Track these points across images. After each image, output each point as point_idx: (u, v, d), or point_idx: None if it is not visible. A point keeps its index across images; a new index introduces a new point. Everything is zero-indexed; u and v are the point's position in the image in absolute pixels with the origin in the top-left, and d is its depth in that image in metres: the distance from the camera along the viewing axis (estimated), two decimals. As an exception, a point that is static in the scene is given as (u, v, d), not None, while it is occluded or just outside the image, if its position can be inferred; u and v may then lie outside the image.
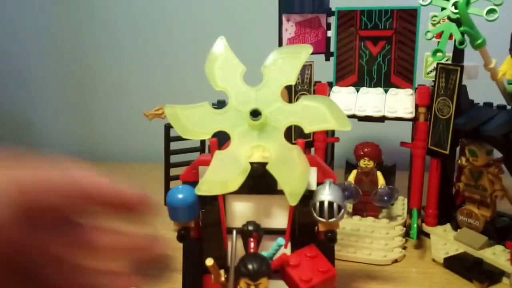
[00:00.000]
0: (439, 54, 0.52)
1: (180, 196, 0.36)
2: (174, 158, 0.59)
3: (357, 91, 0.58)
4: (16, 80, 1.03)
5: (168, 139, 0.57)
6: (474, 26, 0.50)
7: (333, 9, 0.59)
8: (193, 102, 0.37)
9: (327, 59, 0.61)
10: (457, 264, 0.52)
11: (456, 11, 0.50)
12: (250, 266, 0.33)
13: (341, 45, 0.59)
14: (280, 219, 0.38)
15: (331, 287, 0.37)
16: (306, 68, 0.59)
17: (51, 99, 1.04)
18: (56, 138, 1.05)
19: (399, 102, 0.56)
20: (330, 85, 0.60)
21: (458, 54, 0.55)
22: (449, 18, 0.52)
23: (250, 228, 0.37)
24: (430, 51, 0.54)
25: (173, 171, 0.59)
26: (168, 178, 0.58)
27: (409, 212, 0.59)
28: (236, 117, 0.36)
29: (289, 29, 0.59)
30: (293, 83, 0.37)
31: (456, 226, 0.57)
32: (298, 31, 0.59)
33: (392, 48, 0.57)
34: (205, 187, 0.35)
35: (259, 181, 0.36)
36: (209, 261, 0.34)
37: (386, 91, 0.58)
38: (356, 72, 0.59)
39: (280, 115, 0.37)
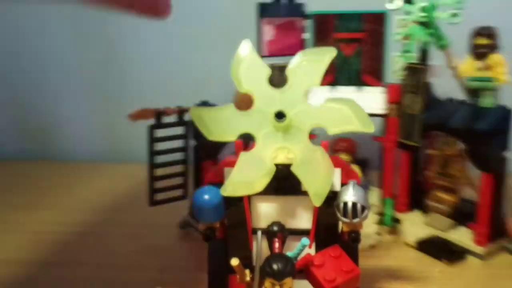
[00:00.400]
0: (408, 54, 0.58)
1: (206, 196, 0.36)
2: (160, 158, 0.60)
3: (334, 90, 0.62)
4: (42, 80, 1.06)
5: (152, 140, 0.57)
6: (439, 29, 0.57)
7: (309, 13, 0.62)
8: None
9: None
10: (428, 246, 0.58)
11: (423, 14, 0.56)
12: (275, 266, 0.33)
13: (317, 47, 0.61)
14: (304, 220, 0.39)
15: (354, 287, 0.37)
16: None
17: (75, 100, 1.06)
18: (81, 138, 1.07)
19: (372, 100, 0.60)
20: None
21: (424, 55, 0.59)
22: (416, 21, 0.57)
23: (275, 228, 0.37)
24: (397, 51, 0.59)
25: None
26: (152, 179, 0.58)
27: (382, 201, 0.63)
28: (261, 119, 0.37)
29: (268, 32, 0.61)
30: (317, 85, 0.38)
31: (425, 212, 0.63)
32: (277, 34, 0.61)
33: (363, 50, 0.61)
34: (230, 188, 0.36)
35: (284, 182, 0.37)
36: (235, 261, 0.35)
37: (359, 90, 0.61)
38: (332, 72, 0.61)
39: (304, 117, 0.37)
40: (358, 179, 0.38)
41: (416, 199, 0.63)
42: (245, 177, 0.36)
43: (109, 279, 0.53)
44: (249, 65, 0.38)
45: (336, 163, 0.38)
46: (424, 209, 0.62)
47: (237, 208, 0.38)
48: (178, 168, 0.61)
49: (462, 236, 0.57)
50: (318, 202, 0.36)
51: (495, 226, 0.55)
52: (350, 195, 0.36)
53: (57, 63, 1.03)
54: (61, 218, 0.70)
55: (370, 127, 0.37)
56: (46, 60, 1.04)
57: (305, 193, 0.36)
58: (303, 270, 0.36)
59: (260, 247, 0.37)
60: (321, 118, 0.37)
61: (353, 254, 0.38)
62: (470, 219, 0.57)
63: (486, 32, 0.54)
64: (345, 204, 0.36)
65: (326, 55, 0.38)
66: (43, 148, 1.07)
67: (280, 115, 0.37)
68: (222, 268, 0.39)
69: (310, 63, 0.38)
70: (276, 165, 0.36)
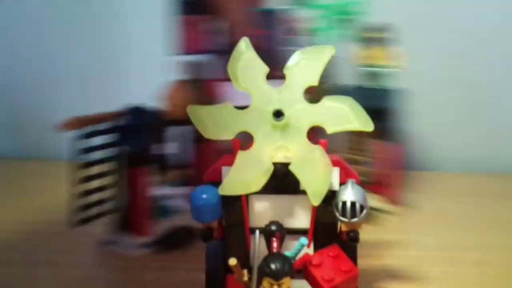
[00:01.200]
0: None
1: (204, 196, 0.36)
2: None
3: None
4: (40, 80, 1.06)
5: (81, 151, 0.54)
6: None
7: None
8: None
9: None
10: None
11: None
12: (273, 266, 0.33)
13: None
14: (302, 219, 0.38)
15: (353, 287, 0.37)
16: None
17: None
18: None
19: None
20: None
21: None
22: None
23: (273, 228, 0.37)
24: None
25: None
26: (78, 195, 0.55)
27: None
28: (259, 118, 0.37)
29: (184, 29, 0.61)
30: (316, 84, 0.37)
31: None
32: (193, 31, 0.61)
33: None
34: (228, 187, 0.36)
35: (282, 181, 0.37)
36: (232, 261, 0.34)
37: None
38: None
39: (303, 115, 0.37)
40: (357, 178, 0.38)
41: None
42: (243, 176, 0.36)
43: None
44: (246, 63, 0.38)
45: (335, 162, 0.38)
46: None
47: (235, 207, 0.38)
48: (107, 180, 0.57)
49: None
50: (316, 201, 0.35)
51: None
52: (349, 195, 0.36)
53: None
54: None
55: (369, 126, 0.37)
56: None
57: (303, 192, 0.36)
58: (302, 270, 0.36)
59: (258, 247, 0.37)
60: (320, 117, 0.37)
61: (352, 254, 0.38)
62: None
63: (378, 27, 0.66)
64: (344, 203, 0.36)
65: (325, 53, 0.38)
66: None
67: (278, 114, 0.36)
68: (220, 268, 0.39)
69: (308, 62, 0.38)
70: (274, 164, 0.36)
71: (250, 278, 0.36)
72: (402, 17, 0.70)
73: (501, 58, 0.94)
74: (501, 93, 0.96)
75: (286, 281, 0.33)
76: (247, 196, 0.38)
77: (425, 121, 0.95)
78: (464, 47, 0.94)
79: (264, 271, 0.33)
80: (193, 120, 0.37)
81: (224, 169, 0.38)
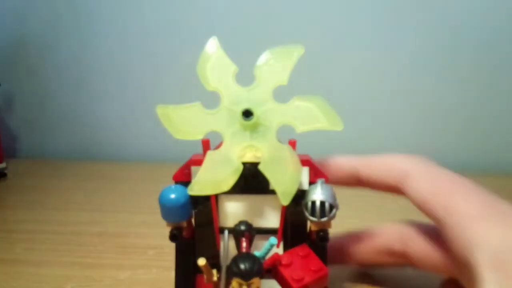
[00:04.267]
0: None
1: (173, 196, 0.36)
2: None
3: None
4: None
5: None
6: None
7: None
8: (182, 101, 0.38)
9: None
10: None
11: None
12: (242, 266, 0.33)
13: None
14: (272, 219, 0.38)
15: (323, 286, 0.37)
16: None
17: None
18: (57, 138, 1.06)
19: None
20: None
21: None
22: None
23: (242, 227, 0.37)
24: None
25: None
26: None
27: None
28: (228, 117, 0.37)
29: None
30: (285, 83, 0.37)
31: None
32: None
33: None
34: (197, 187, 0.36)
35: (251, 181, 0.37)
36: (202, 261, 0.34)
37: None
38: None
39: (272, 115, 0.37)
40: (326, 178, 0.38)
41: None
42: (212, 176, 0.36)
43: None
44: (215, 63, 0.37)
45: (304, 161, 0.38)
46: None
47: (204, 207, 0.37)
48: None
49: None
50: (286, 201, 0.35)
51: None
52: (318, 194, 0.36)
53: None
54: None
55: (338, 126, 0.37)
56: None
57: (273, 192, 0.36)
58: (271, 270, 0.36)
59: (227, 247, 0.37)
60: (289, 116, 0.37)
61: (322, 254, 0.38)
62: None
63: None
64: (313, 203, 0.36)
65: (294, 52, 0.38)
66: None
67: (247, 113, 0.36)
68: (189, 268, 0.39)
69: (277, 61, 0.38)
70: (244, 163, 0.36)
71: (219, 278, 0.36)
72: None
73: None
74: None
75: (256, 281, 0.33)
76: (216, 196, 0.37)
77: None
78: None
79: (233, 271, 0.33)
80: (162, 120, 0.37)
81: (193, 169, 0.38)
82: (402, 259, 0.42)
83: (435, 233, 0.39)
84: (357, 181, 0.43)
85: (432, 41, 0.93)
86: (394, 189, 0.40)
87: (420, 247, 0.40)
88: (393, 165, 0.39)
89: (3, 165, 0.92)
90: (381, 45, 0.94)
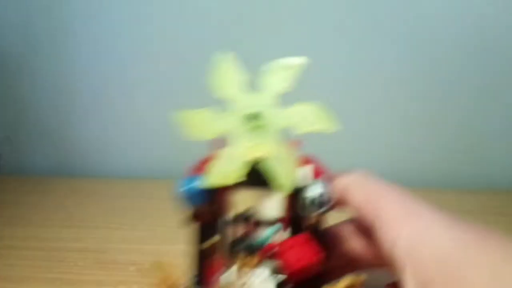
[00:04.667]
0: None
1: (195, 182, 0.41)
2: None
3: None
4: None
5: None
6: None
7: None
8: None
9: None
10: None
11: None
12: (245, 245, 0.38)
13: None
14: (274, 212, 0.43)
15: (318, 269, 0.41)
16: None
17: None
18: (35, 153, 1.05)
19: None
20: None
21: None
22: None
23: (245, 215, 0.42)
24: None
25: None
26: None
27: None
28: (234, 121, 0.42)
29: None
30: (288, 89, 0.42)
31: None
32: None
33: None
34: (208, 180, 0.41)
35: (256, 177, 0.41)
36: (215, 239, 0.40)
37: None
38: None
39: (276, 118, 0.41)
40: (328, 174, 0.42)
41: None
42: (221, 171, 0.41)
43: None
44: (223, 68, 0.42)
45: (308, 160, 0.42)
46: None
47: (212, 200, 0.42)
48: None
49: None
50: (285, 192, 0.41)
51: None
52: (317, 189, 0.41)
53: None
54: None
55: (334, 127, 0.41)
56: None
57: (275, 187, 0.41)
58: (272, 255, 0.41)
59: (231, 233, 0.42)
60: (291, 119, 0.41)
61: (320, 240, 0.42)
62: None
63: None
64: (312, 197, 0.41)
65: (297, 61, 0.42)
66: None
67: (253, 117, 0.41)
68: (203, 250, 0.44)
69: (282, 68, 0.42)
70: (249, 162, 0.41)
71: (226, 259, 0.41)
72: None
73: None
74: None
75: (256, 258, 0.38)
76: (224, 188, 0.42)
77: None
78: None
79: (236, 250, 0.39)
80: (181, 125, 0.42)
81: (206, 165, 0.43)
82: None
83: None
84: None
85: (413, 56, 0.89)
86: (341, 203, 0.43)
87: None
88: (338, 182, 0.43)
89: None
90: (360, 59, 0.91)
